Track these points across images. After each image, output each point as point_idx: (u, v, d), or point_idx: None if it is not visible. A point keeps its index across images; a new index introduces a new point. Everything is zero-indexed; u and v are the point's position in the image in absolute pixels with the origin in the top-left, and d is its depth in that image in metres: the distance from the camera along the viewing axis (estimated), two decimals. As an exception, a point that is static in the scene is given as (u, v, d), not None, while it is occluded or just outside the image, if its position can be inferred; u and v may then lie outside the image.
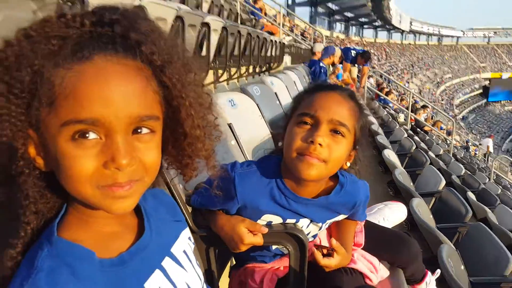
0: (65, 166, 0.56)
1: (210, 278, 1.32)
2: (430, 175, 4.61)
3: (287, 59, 6.95)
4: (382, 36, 64.42)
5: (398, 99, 13.72)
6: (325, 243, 1.41)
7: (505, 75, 60.20)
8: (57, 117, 0.55)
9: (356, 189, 1.27)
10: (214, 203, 1.22)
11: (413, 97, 11.58)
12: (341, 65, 7.56)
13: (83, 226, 0.64)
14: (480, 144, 21.98)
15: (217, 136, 0.75)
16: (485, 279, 2.49)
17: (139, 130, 0.60)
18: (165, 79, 0.62)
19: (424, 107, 12.55)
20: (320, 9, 44.86)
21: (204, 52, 3.54)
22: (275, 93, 3.30)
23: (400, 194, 4.03)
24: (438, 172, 4.66)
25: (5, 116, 0.55)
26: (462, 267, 2.30)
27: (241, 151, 2.16)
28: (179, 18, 2.94)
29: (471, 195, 4.86)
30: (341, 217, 1.31)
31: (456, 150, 12.28)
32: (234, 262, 1.50)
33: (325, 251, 1.26)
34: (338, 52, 6.84)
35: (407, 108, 10.33)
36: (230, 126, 2.29)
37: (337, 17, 50.85)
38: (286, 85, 3.90)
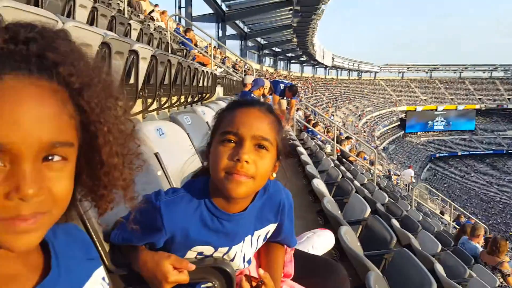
0: None
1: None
2: (356, 203, 4.78)
3: (219, 90, 7.01)
4: (308, 70, 68.29)
5: (324, 131, 14.35)
6: (254, 274, 1.36)
7: (419, 108, 66.15)
8: None
9: (278, 190, 1.29)
10: (139, 237, 1.14)
11: (338, 129, 12.19)
12: (271, 96, 7.78)
13: None
14: (401, 175, 23.58)
15: (139, 166, 0.69)
16: (411, 303, 2.58)
17: (50, 158, 0.55)
18: (83, 103, 0.58)
19: (348, 138, 13.23)
20: (249, 43, 46.34)
21: (132, 80, 3.44)
22: (207, 123, 3.26)
23: (329, 223, 4.11)
24: (364, 200, 4.85)
25: None
26: (390, 293, 2.35)
27: (169, 181, 2.08)
28: (105, 44, 2.84)
29: (395, 222, 5.10)
30: (271, 227, 1.30)
31: (379, 179, 13.02)
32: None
33: (254, 283, 1.23)
34: (267, 84, 7.04)
35: (332, 139, 10.82)
36: (157, 155, 2.21)
37: (266, 51, 52.92)
38: (218, 115, 3.88)
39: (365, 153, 14.99)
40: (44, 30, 0.57)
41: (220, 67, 11.90)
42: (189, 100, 4.93)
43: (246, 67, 17.09)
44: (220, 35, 35.34)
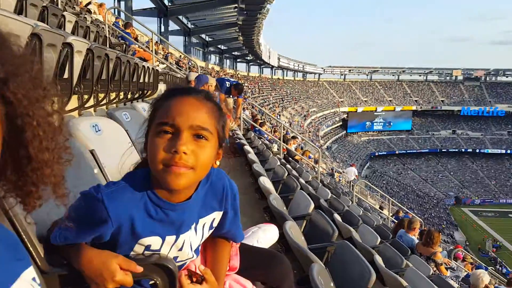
0: None
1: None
2: (301, 199, 4.86)
3: (162, 87, 6.82)
4: (254, 70, 68.79)
5: (271, 130, 14.54)
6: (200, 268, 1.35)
7: (360, 109, 69.07)
8: None
9: (221, 178, 1.27)
10: (85, 233, 1.10)
11: (284, 129, 12.37)
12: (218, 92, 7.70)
13: None
14: (344, 172, 24.42)
15: (68, 160, 0.65)
16: (352, 293, 2.65)
17: None
18: (9, 94, 0.53)
19: (294, 137, 13.50)
20: (194, 40, 45.35)
21: (66, 75, 3.24)
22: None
23: (275, 218, 4.14)
24: (308, 196, 4.94)
25: None
26: (332, 284, 2.40)
27: (106, 179, 1.98)
28: (35, 36, 2.64)
29: (337, 216, 5.25)
30: (216, 214, 1.28)
31: (323, 177, 13.39)
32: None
33: (194, 278, 1.22)
34: (211, 81, 6.95)
35: (279, 139, 10.98)
36: (92, 152, 2.10)
37: (211, 48, 51.98)
38: (159, 111, 3.77)
39: (310, 152, 15.37)
40: None
41: (163, 63, 11.63)
42: (129, 96, 4.75)
43: (190, 63, 16.83)
44: (163, 30, 34.14)
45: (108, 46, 6.18)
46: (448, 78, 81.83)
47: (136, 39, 10.13)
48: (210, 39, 48.74)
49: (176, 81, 9.31)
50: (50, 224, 1.17)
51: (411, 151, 65.10)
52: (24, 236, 1.11)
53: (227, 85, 8.09)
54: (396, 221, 9.78)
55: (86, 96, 3.61)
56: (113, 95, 4.24)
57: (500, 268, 28.87)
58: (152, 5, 33.03)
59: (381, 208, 18.32)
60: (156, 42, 14.73)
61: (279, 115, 38.44)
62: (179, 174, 1.05)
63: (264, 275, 1.54)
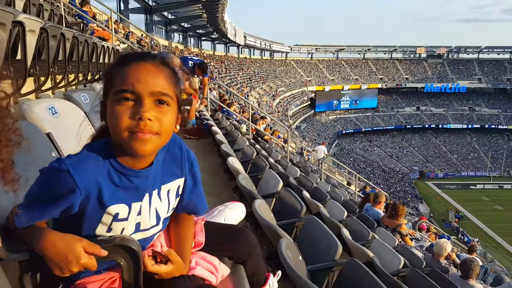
0: None
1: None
2: (270, 178, 4.89)
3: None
4: (220, 49, 67.55)
5: (240, 111, 14.46)
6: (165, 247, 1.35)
7: (327, 88, 69.74)
8: None
9: (177, 143, 1.29)
10: (53, 208, 1.08)
11: (252, 109, 12.32)
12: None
13: None
14: (314, 150, 24.75)
15: (18, 142, 0.62)
16: (320, 265, 2.71)
17: None
18: None
19: (263, 118, 13.51)
20: (156, 18, 43.76)
21: (19, 56, 3.06)
22: (108, 101, 3.04)
23: (244, 198, 4.15)
24: (277, 175, 4.98)
25: None
26: (300, 257, 2.44)
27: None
28: (-20, 13, 2.47)
29: (306, 193, 5.33)
30: (179, 181, 1.30)
31: (292, 156, 13.53)
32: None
33: (159, 259, 1.23)
34: (175, 60, 6.80)
35: (248, 119, 10.94)
36: (49, 135, 2.02)
37: (174, 27, 50.28)
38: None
39: (279, 131, 15.46)
40: None
41: (124, 43, 11.25)
42: (89, 78, 4.56)
43: (152, 43, 16.36)
44: (122, 8, 32.83)
45: (64, 25, 5.88)
46: (412, 55, 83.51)
47: (94, 17, 9.71)
48: (172, 17, 47.05)
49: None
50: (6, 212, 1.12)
51: (377, 128, 66.67)
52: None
53: (190, 64, 7.86)
54: (363, 196, 10.06)
55: (42, 78, 3.44)
56: (71, 76, 4.06)
57: (462, 237, 30.42)
58: (110, -18, 31.74)
59: (348, 184, 18.75)
60: (116, 20, 14.18)
61: (247, 95, 38.26)
62: (145, 140, 1.07)
63: (230, 250, 1.55)
